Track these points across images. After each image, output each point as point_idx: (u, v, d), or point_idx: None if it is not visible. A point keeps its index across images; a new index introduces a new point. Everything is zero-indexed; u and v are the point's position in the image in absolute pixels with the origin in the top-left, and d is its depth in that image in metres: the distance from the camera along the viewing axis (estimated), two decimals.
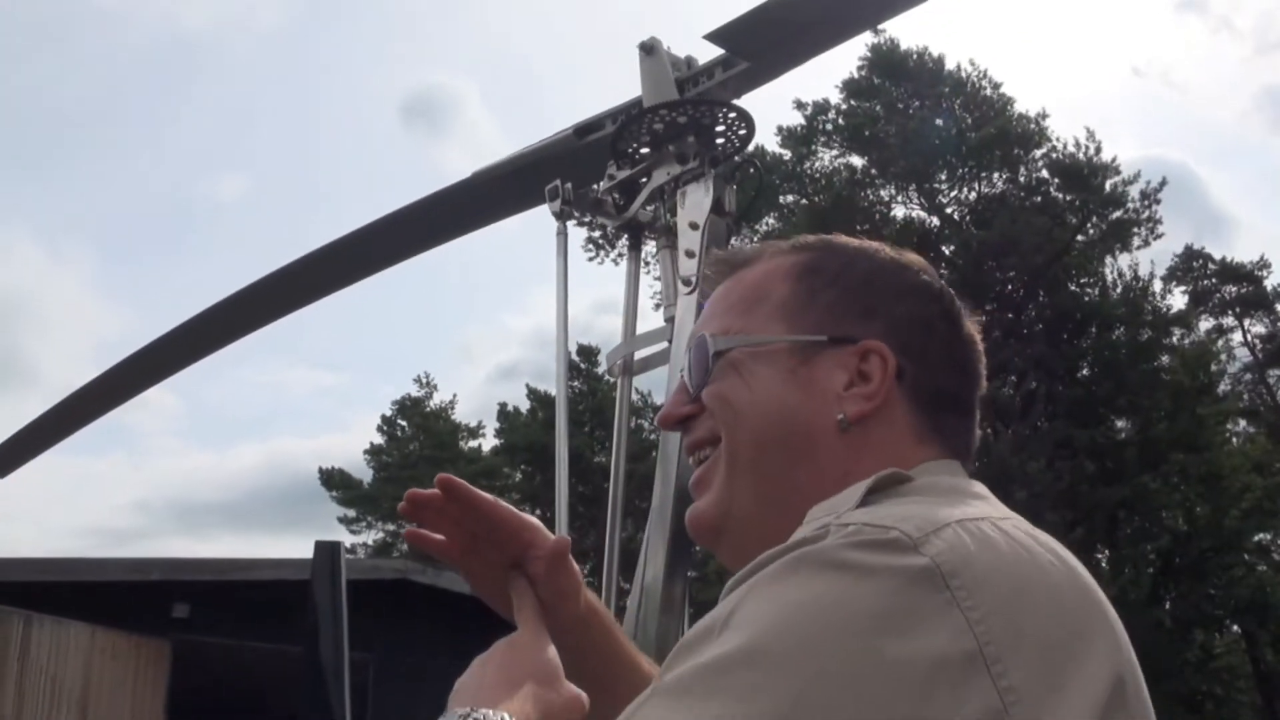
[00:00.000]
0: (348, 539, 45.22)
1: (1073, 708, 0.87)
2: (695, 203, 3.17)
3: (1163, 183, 30.89)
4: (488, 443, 44.97)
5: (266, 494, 71.98)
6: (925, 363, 1.17)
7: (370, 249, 4.16)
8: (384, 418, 47.28)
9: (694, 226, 3.09)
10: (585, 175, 3.50)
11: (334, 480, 44.75)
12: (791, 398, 1.15)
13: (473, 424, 46.76)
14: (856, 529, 0.91)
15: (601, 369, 36.77)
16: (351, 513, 44.97)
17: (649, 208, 3.46)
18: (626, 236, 3.60)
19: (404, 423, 47.09)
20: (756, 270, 1.26)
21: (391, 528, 45.48)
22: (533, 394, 42.15)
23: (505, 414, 42.98)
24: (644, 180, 3.40)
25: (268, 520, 69.19)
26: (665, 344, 3.20)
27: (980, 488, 1.10)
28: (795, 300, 1.20)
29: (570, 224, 3.46)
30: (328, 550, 3.17)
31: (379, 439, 47.00)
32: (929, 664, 0.83)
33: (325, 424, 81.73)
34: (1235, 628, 30.46)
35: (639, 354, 3.39)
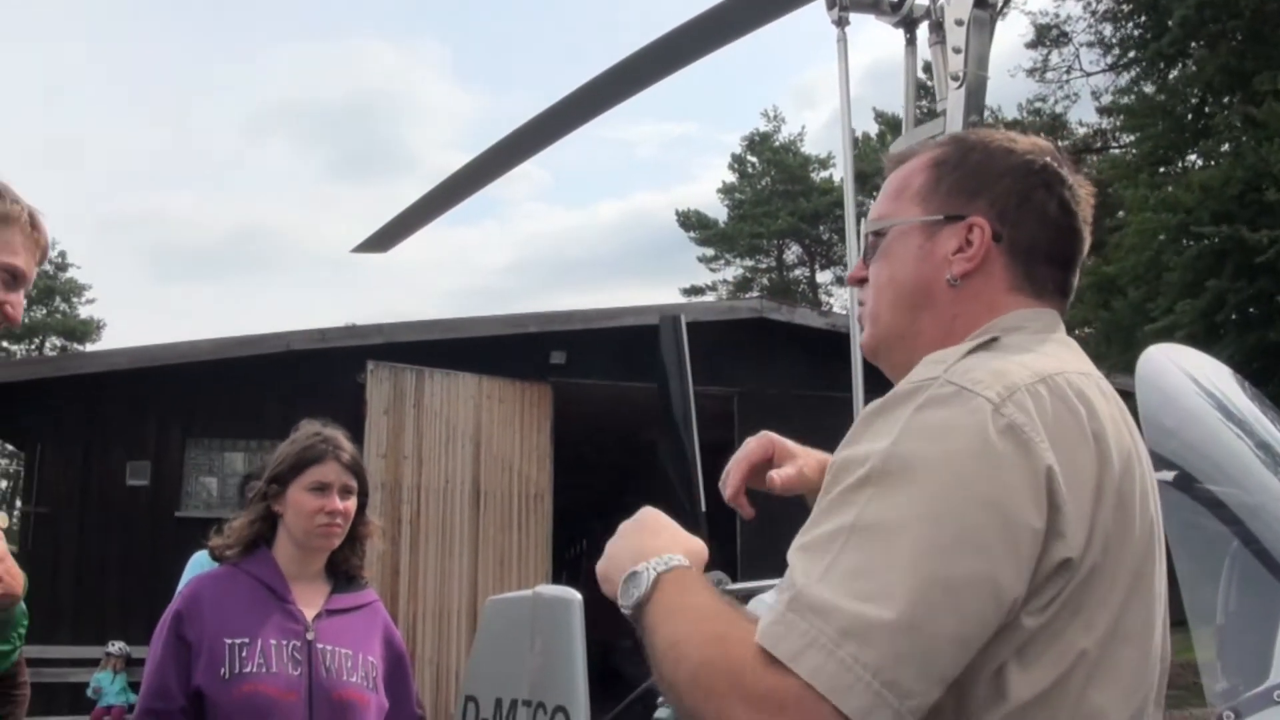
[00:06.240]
0: (708, 277, 46.20)
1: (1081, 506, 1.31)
2: None
3: None
4: (838, 173, 44.51)
5: (631, 245, 74.70)
6: (1021, 226, 1.55)
7: (686, 42, 4.35)
8: (734, 155, 47.65)
9: (959, 23, 3.24)
10: None
11: (691, 221, 45.75)
12: (918, 268, 1.57)
13: (822, 155, 46.43)
14: (956, 390, 1.32)
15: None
16: (710, 252, 46.00)
17: (922, 2, 3.55)
18: (903, 33, 3.68)
19: (754, 159, 47.26)
20: (909, 164, 1.65)
21: (749, 263, 46.28)
22: (880, 117, 41.29)
23: (855, 140, 42.33)
24: None
25: (635, 269, 71.91)
26: (940, 134, 3.30)
27: (1052, 337, 1.51)
28: (926, 188, 1.60)
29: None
30: (670, 322, 3.60)
31: (731, 178, 47.47)
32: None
33: (678, 174, 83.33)
34: None
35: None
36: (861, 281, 1.68)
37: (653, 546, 1.45)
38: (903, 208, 1.62)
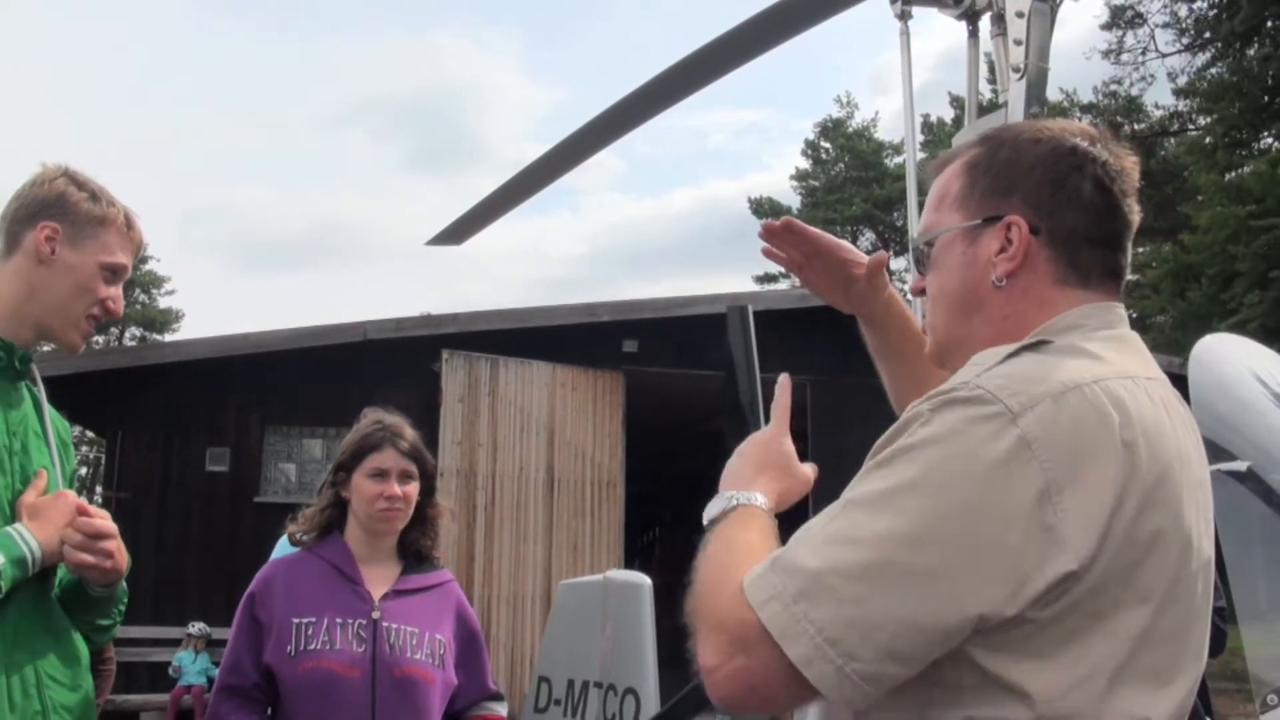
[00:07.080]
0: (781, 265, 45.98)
1: (1088, 510, 1.33)
2: None
3: None
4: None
5: (704, 233, 74.75)
6: (1057, 215, 1.55)
7: (754, 36, 4.38)
8: (807, 141, 47.44)
9: (1020, 15, 3.25)
10: None
11: (764, 209, 45.60)
12: (963, 274, 1.60)
13: (896, 141, 46.03)
14: (982, 393, 1.36)
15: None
16: None
17: None
18: (966, 25, 3.69)
19: (828, 145, 47.02)
20: (949, 169, 1.67)
21: None
22: (955, 102, 40.80)
23: (929, 125, 42.04)
24: None
25: (707, 257, 71.86)
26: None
27: (1111, 335, 1.51)
28: (963, 193, 1.62)
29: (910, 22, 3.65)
30: (738, 312, 3.66)
31: (804, 164, 47.26)
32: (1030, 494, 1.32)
33: (751, 161, 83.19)
34: None
35: None
36: (922, 293, 1.72)
37: (749, 481, 1.62)
38: (944, 216, 1.65)
